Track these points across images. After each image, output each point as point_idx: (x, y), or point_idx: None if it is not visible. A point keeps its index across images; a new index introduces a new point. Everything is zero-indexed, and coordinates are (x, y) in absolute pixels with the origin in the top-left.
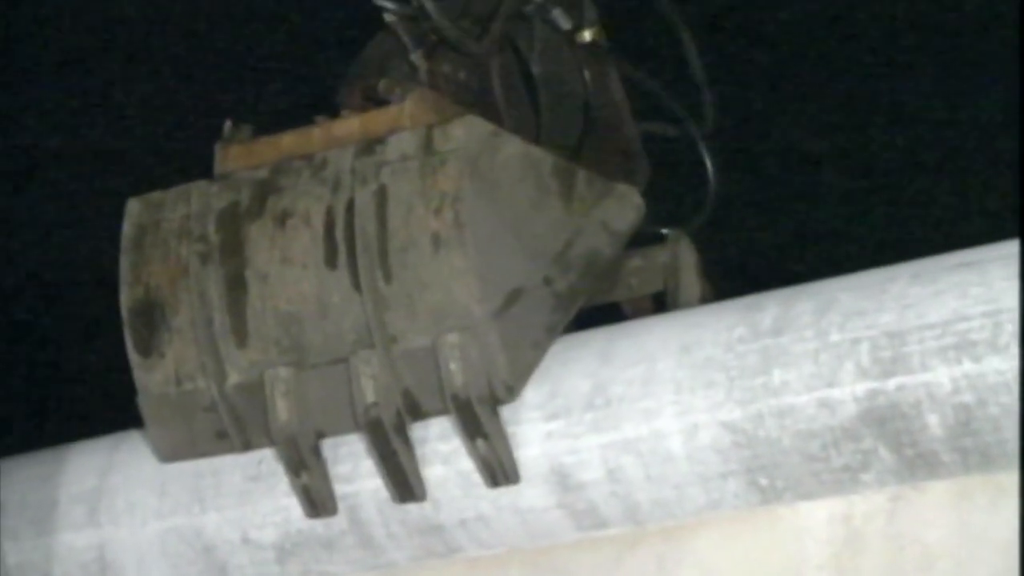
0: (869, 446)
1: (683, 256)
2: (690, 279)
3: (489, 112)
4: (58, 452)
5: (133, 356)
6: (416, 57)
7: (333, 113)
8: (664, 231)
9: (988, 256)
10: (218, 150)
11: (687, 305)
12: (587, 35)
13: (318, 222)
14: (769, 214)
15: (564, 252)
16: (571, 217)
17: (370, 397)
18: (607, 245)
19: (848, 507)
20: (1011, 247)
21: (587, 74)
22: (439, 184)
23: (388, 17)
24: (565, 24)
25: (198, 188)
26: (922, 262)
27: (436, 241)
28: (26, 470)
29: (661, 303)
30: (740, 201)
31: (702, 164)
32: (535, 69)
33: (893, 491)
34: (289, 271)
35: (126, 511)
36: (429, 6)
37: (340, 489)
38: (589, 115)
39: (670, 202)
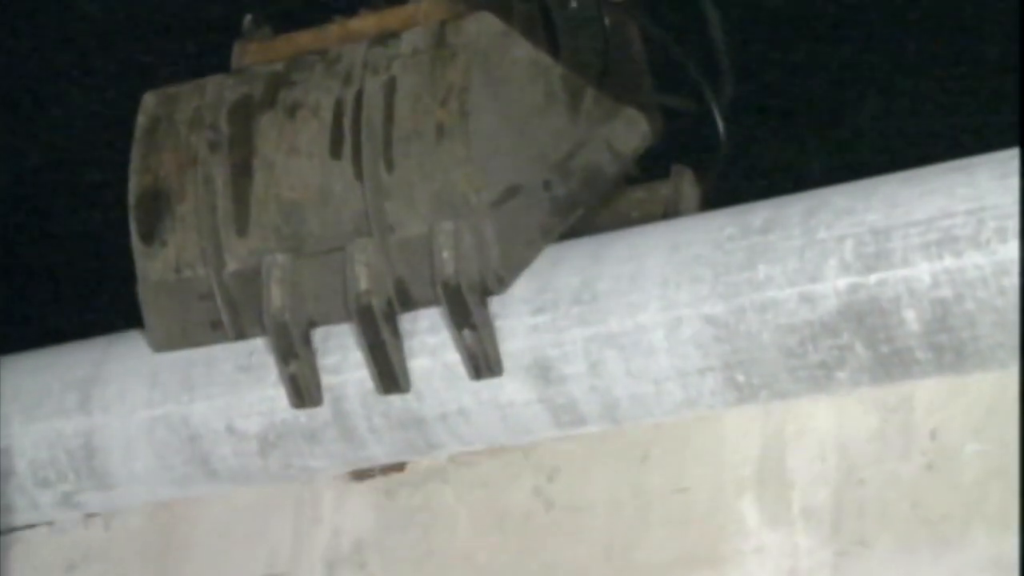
0: (846, 342)
1: (685, 190)
2: (690, 213)
3: None
4: (56, 347)
5: (136, 243)
6: None
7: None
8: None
9: (980, 161)
10: (236, 46)
11: None
12: None
13: (327, 113)
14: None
15: (566, 161)
16: (576, 129)
17: (363, 284)
18: (609, 163)
19: (793, 562)
20: (1006, 154)
21: (608, 26)
22: (447, 75)
23: None
24: None
25: (213, 81)
26: (917, 169)
27: (440, 131)
28: (24, 362)
29: None
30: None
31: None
32: (556, 16)
33: (837, 547)
34: (294, 160)
35: (117, 399)
36: None
37: (326, 381)
38: (607, 67)
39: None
